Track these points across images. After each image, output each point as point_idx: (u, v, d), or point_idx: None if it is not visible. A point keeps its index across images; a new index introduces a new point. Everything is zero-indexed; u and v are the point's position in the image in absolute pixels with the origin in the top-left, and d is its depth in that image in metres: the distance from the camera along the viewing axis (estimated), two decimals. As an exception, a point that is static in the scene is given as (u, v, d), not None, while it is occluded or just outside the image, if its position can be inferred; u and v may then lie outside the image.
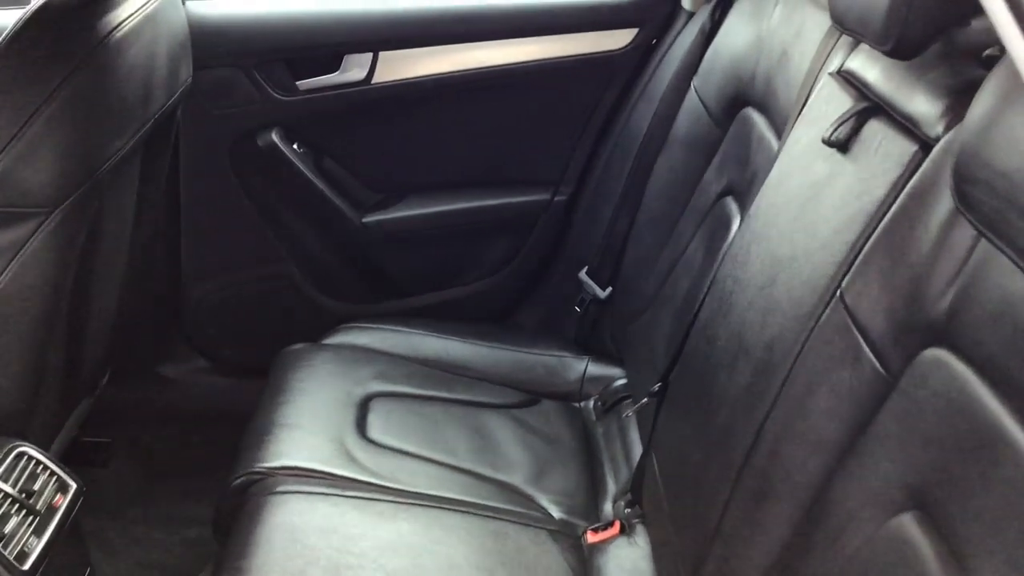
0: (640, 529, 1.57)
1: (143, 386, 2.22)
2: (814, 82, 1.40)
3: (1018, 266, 0.83)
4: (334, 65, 2.07)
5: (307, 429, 1.67)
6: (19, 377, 1.45)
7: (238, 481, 1.56)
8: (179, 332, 2.23)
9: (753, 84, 1.65)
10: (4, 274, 1.36)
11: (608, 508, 1.69)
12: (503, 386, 1.96)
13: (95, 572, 1.74)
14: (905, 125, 1.09)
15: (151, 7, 1.55)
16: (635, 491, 1.61)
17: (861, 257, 1.07)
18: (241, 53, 2.00)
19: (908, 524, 0.93)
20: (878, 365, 1.01)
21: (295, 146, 2.11)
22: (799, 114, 1.40)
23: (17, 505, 1.34)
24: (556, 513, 1.63)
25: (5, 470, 1.36)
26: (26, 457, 1.40)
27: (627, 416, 1.80)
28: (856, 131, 1.18)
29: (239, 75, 2.01)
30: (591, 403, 1.98)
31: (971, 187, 0.85)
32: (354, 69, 2.07)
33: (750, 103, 1.67)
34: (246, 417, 1.76)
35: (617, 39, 2.14)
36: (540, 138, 2.22)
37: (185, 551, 2.04)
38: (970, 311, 0.91)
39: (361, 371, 1.86)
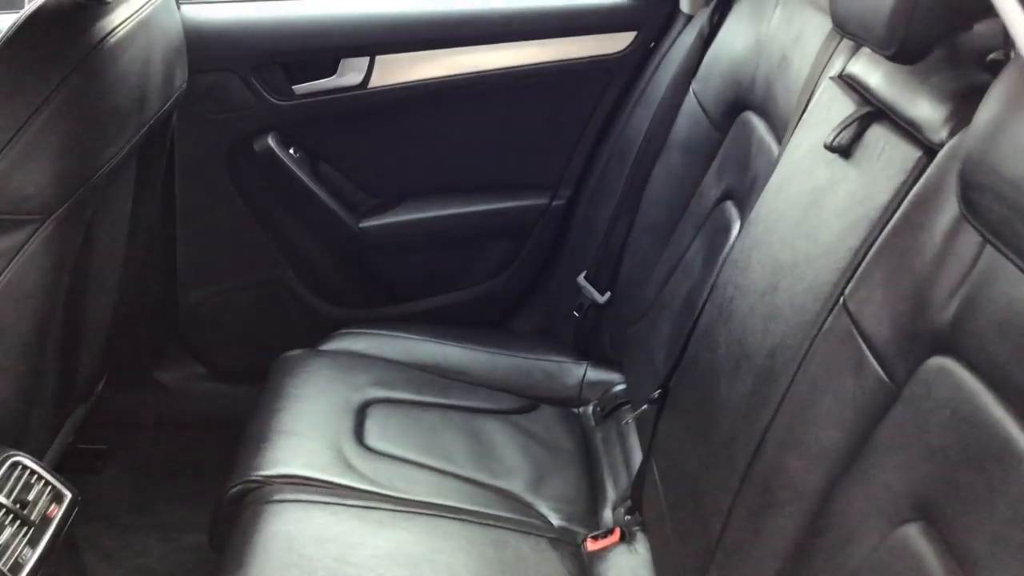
0: (640, 537, 1.56)
1: (139, 392, 2.21)
2: (815, 86, 1.39)
3: (1025, 274, 0.82)
4: (330, 69, 2.06)
5: (304, 436, 1.66)
6: (14, 385, 1.44)
7: (235, 489, 1.55)
8: (175, 338, 2.22)
9: (753, 88, 1.64)
10: None
11: (608, 515, 1.68)
12: (501, 391, 1.95)
13: (91, 581, 1.73)
14: (908, 130, 1.08)
15: (145, 12, 1.54)
16: (635, 498, 1.60)
17: (865, 264, 1.06)
18: (237, 57, 1.99)
19: (913, 535, 0.92)
20: (882, 373, 1.00)
21: (291, 151, 2.10)
22: (800, 119, 1.39)
23: (11, 516, 1.33)
24: (555, 520, 1.62)
25: (-1, 480, 1.35)
26: (20, 467, 1.39)
27: (627, 423, 1.79)
28: (858, 136, 1.17)
29: (235, 79, 2.00)
30: (590, 408, 1.97)
31: (977, 194, 0.84)
32: (350, 73, 2.06)
33: (749, 107, 1.66)
34: (243, 423, 1.75)
35: (615, 42, 2.13)
36: (538, 142, 2.21)
37: (182, 558, 2.03)
38: (976, 319, 0.90)
39: (358, 377, 1.85)
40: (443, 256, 2.28)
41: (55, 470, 1.65)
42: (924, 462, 0.93)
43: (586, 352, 2.08)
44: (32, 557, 1.31)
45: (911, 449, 0.95)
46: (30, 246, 1.34)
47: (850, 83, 1.27)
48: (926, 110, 1.06)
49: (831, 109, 1.27)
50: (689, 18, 2.06)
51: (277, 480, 1.54)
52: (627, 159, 2.05)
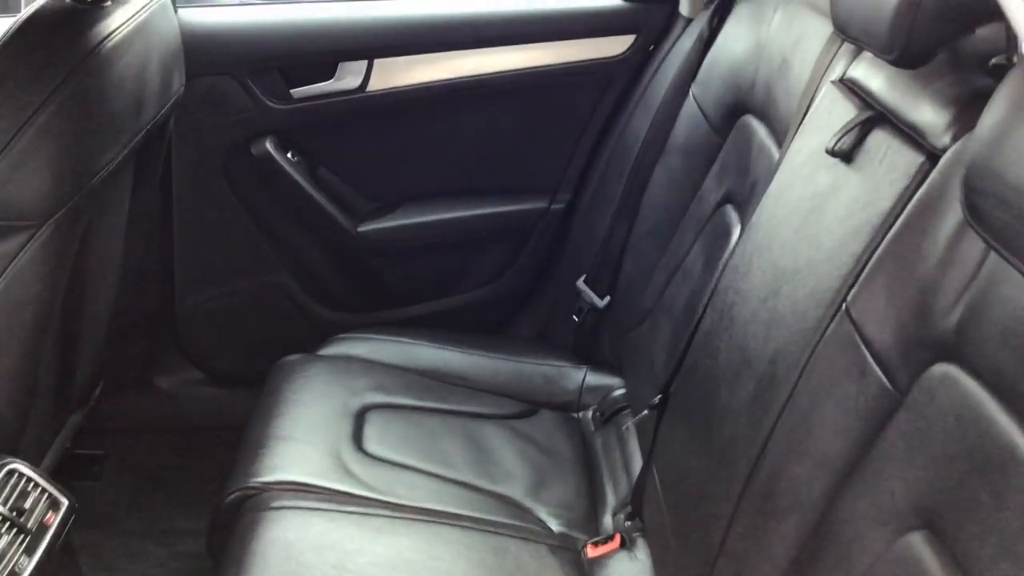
0: (641, 543, 1.55)
1: (137, 397, 2.20)
2: (815, 90, 1.39)
3: (1030, 281, 0.82)
4: (328, 73, 2.05)
5: (303, 442, 1.65)
6: (10, 392, 1.43)
7: (232, 496, 1.54)
8: (173, 343, 2.21)
9: (753, 91, 1.64)
10: None
11: (608, 521, 1.67)
12: (501, 396, 1.94)
13: (88, 588, 1.72)
14: (911, 135, 1.08)
15: (142, 16, 1.54)
16: (635, 504, 1.59)
17: (867, 270, 1.05)
18: (234, 61, 1.99)
19: (918, 544, 0.91)
20: (885, 380, 1.00)
21: (289, 155, 2.09)
22: (801, 123, 1.38)
23: (8, 524, 1.32)
24: (555, 526, 1.61)
25: (-5, 488, 1.34)
26: (17, 474, 1.38)
27: (627, 428, 1.78)
28: (860, 141, 1.16)
29: (232, 83, 1.99)
30: (590, 413, 1.96)
31: (982, 200, 0.83)
32: (349, 77, 2.06)
33: (749, 110, 1.65)
34: (241, 428, 1.74)
35: (614, 45, 2.13)
36: (537, 145, 2.21)
37: (179, 565, 2.02)
38: (980, 326, 0.89)
39: (357, 382, 1.84)
40: (442, 260, 2.27)
41: (52, 476, 1.65)
42: (928, 470, 0.92)
43: (586, 356, 2.07)
44: (29, 565, 1.31)
45: (915, 457, 0.94)
46: (26, 252, 1.33)
47: (851, 87, 1.26)
48: (928, 115, 1.06)
49: (832, 113, 1.26)
50: (688, 21, 2.05)
51: (275, 487, 1.53)
52: (626, 162, 2.04)
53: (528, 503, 1.65)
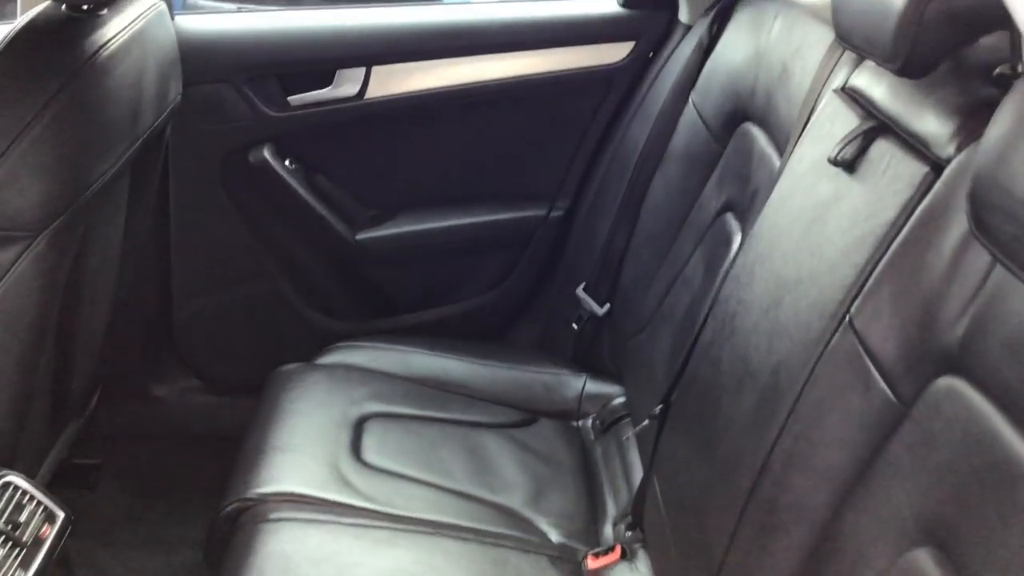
0: (642, 554, 1.54)
1: (134, 406, 2.19)
2: (817, 99, 1.38)
3: (1037, 294, 0.81)
4: (326, 80, 2.04)
5: (300, 452, 1.64)
6: (6, 402, 1.42)
7: (230, 508, 1.53)
8: (170, 351, 2.19)
9: (753, 99, 1.63)
10: None
11: (608, 531, 1.66)
12: (500, 405, 1.93)
13: (85, 600, 1.71)
14: (915, 145, 1.07)
15: (139, 25, 1.53)
16: (636, 514, 1.59)
17: (871, 281, 1.04)
18: (231, 68, 1.97)
19: (923, 560, 0.90)
20: (889, 393, 0.99)
21: (287, 162, 2.08)
22: (802, 132, 1.37)
23: (3, 537, 1.31)
24: (555, 537, 1.60)
25: (-9, 502, 1.33)
26: (12, 487, 1.37)
27: (627, 438, 1.77)
28: (863, 151, 1.15)
29: (230, 91, 1.98)
30: (589, 421, 1.95)
31: (988, 213, 0.83)
32: (346, 84, 2.04)
33: (750, 118, 1.64)
34: (238, 436, 1.73)
35: (613, 52, 2.12)
36: (536, 153, 2.20)
37: (176, 575, 2.00)
38: (986, 339, 0.88)
39: (355, 391, 1.83)
40: (441, 268, 2.26)
41: (49, 485, 1.64)
42: (934, 485, 0.91)
43: (585, 364, 2.06)
44: (24, 579, 1.30)
45: (920, 471, 0.93)
46: (21, 262, 1.32)
47: (853, 96, 1.25)
48: (932, 125, 1.05)
49: (834, 122, 1.25)
50: (688, 28, 2.04)
51: (273, 498, 1.52)
52: (626, 170, 2.04)
53: (528, 513, 1.64)
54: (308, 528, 1.46)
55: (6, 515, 1.33)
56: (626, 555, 1.55)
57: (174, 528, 2.07)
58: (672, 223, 1.82)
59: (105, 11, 1.47)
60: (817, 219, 1.20)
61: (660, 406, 1.53)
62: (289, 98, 2.03)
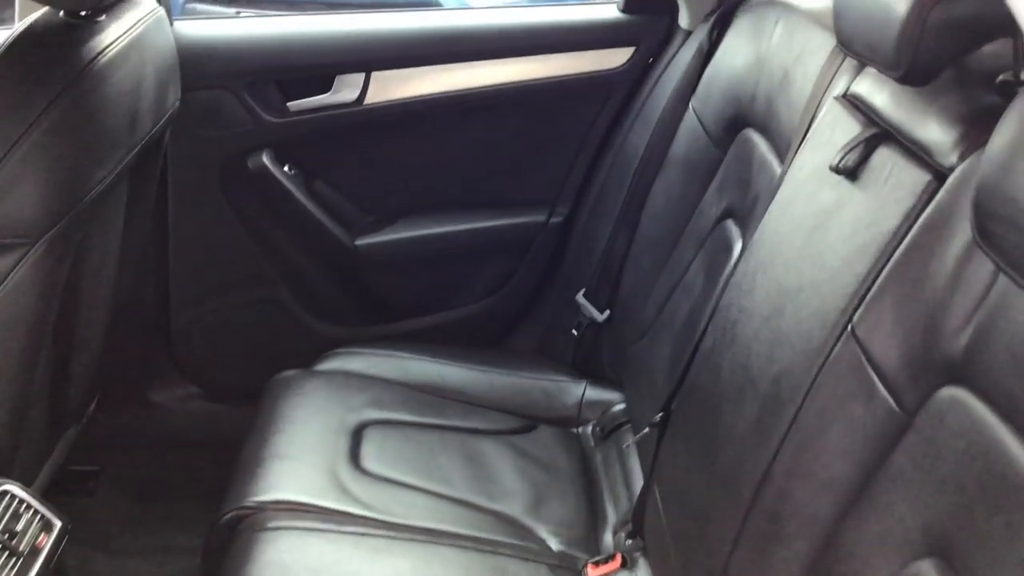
0: (642, 563, 1.54)
1: (132, 413, 2.18)
2: (818, 105, 1.37)
3: (1042, 304, 0.80)
4: (326, 86, 2.03)
5: (299, 460, 1.63)
6: (2, 411, 1.41)
7: (228, 516, 1.52)
8: (168, 358, 2.18)
9: (753, 105, 1.62)
10: None
11: (608, 539, 1.66)
12: (499, 411, 1.92)
13: (82, 608, 1.70)
14: (917, 153, 1.06)
15: (137, 31, 1.52)
16: (636, 522, 1.58)
17: (874, 290, 1.04)
18: (230, 74, 1.97)
19: (927, 571, 0.89)
20: (892, 403, 0.98)
21: (286, 168, 2.07)
22: (803, 138, 1.36)
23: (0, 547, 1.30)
24: (555, 545, 1.60)
25: (-13, 511, 1.32)
26: (9, 496, 1.36)
27: (628, 446, 1.76)
28: (865, 158, 1.15)
29: (229, 97, 1.97)
30: (589, 428, 1.94)
31: (993, 223, 0.82)
32: (346, 90, 2.03)
33: (750, 124, 1.64)
34: (237, 443, 1.72)
35: (613, 58, 2.11)
36: (535, 158, 2.19)
37: (174, 583, 2.00)
38: (990, 349, 0.88)
39: (354, 398, 1.82)
40: (440, 274, 2.25)
41: (46, 491, 1.63)
42: (938, 495, 0.91)
43: (585, 371, 2.05)
44: (21, 589, 1.29)
45: (924, 482, 0.93)
46: (18, 271, 1.31)
47: (855, 103, 1.25)
48: (935, 133, 1.04)
49: (835, 130, 1.25)
50: (688, 34, 2.04)
51: (271, 506, 1.52)
52: (626, 176, 2.03)
53: (528, 521, 1.63)
54: (306, 537, 1.46)
55: (3, 524, 1.32)
56: (626, 564, 1.54)
57: (172, 535, 2.06)
58: (672, 229, 1.81)
59: (103, 17, 1.46)
60: (818, 227, 1.19)
61: (660, 414, 1.52)
62: (288, 104, 2.02)
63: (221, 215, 2.07)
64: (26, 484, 1.44)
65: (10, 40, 1.33)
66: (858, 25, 1.13)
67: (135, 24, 1.54)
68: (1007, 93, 1.02)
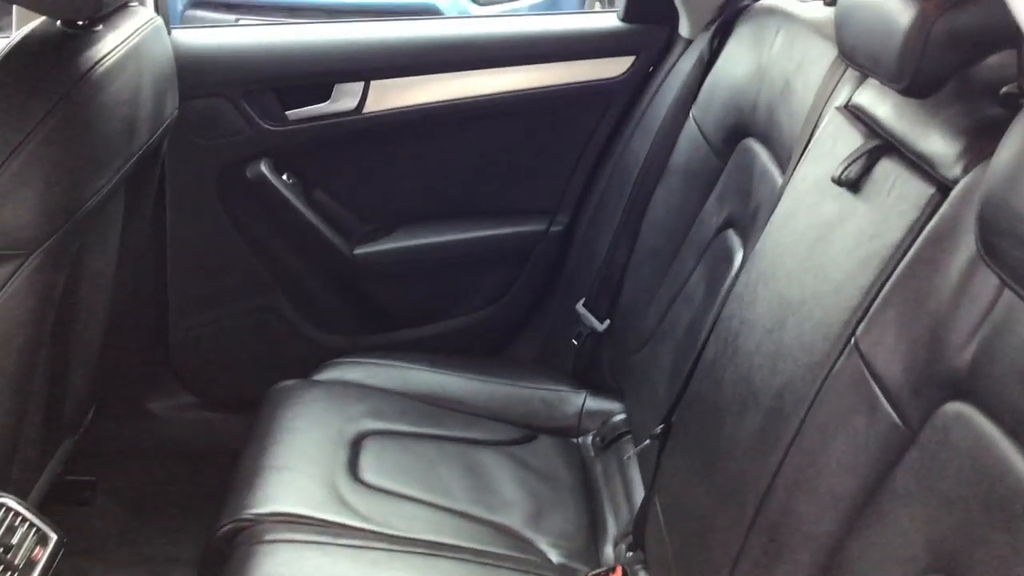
0: (643, 575, 1.52)
1: (129, 422, 2.17)
2: (819, 116, 1.36)
3: (1048, 320, 0.79)
4: (324, 94, 2.03)
5: (297, 471, 1.62)
6: (-1, 422, 1.41)
7: (225, 528, 1.51)
8: (166, 367, 2.18)
9: (754, 115, 1.62)
10: None
11: (609, 551, 1.65)
12: (499, 421, 1.91)
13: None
14: (920, 166, 1.05)
15: (135, 40, 1.51)
16: (637, 534, 1.57)
17: (877, 303, 1.03)
18: (229, 83, 1.96)
19: (932, 589, 0.88)
20: (896, 417, 0.97)
21: (284, 177, 2.06)
22: (804, 149, 1.36)
23: (-5, 561, 1.29)
24: (555, 557, 1.58)
25: (-18, 524, 1.31)
26: (4, 509, 1.35)
27: (629, 458, 1.75)
28: (867, 170, 1.14)
29: (227, 105, 1.96)
30: (589, 438, 1.93)
31: (998, 238, 0.81)
32: (345, 98, 2.03)
33: (751, 134, 1.63)
34: (235, 453, 1.71)
35: (613, 67, 2.11)
36: (535, 167, 2.18)
37: (171, 594, 1.99)
38: (995, 364, 0.87)
39: (353, 408, 1.81)
40: (439, 283, 2.25)
41: (43, 501, 1.62)
42: (942, 512, 0.90)
43: (585, 381, 2.04)
44: (16, 603, 1.28)
45: (928, 498, 0.92)
46: (14, 281, 1.30)
47: (857, 114, 1.24)
48: (938, 145, 1.03)
49: (838, 140, 1.24)
50: (688, 42, 2.03)
51: (269, 519, 1.50)
52: (626, 185, 2.02)
53: (528, 533, 1.62)
54: (304, 550, 1.45)
55: (-2, 537, 1.32)
56: (627, 576, 1.53)
57: (169, 546, 2.04)
58: (673, 239, 1.81)
59: (100, 27, 1.46)
60: (821, 239, 1.18)
61: (661, 425, 1.51)
62: (287, 112, 2.02)
63: (219, 224, 2.06)
64: (22, 495, 1.43)
65: (7, 50, 1.33)
66: (860, 36, 1.12)
67: (132, 33, 1.53)
68: (1011, 105, 1.01)
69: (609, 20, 2.15)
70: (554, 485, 1.77)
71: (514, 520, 1.64)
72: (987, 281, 0.90)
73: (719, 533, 1.21)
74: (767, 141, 1.56)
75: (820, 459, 1.05)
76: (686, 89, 1.92)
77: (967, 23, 1.00)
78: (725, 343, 1.34)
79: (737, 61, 1.76)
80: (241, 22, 4.45)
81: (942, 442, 0.92)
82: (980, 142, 0.99)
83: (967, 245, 0.93)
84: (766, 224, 1.37)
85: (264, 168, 2.03)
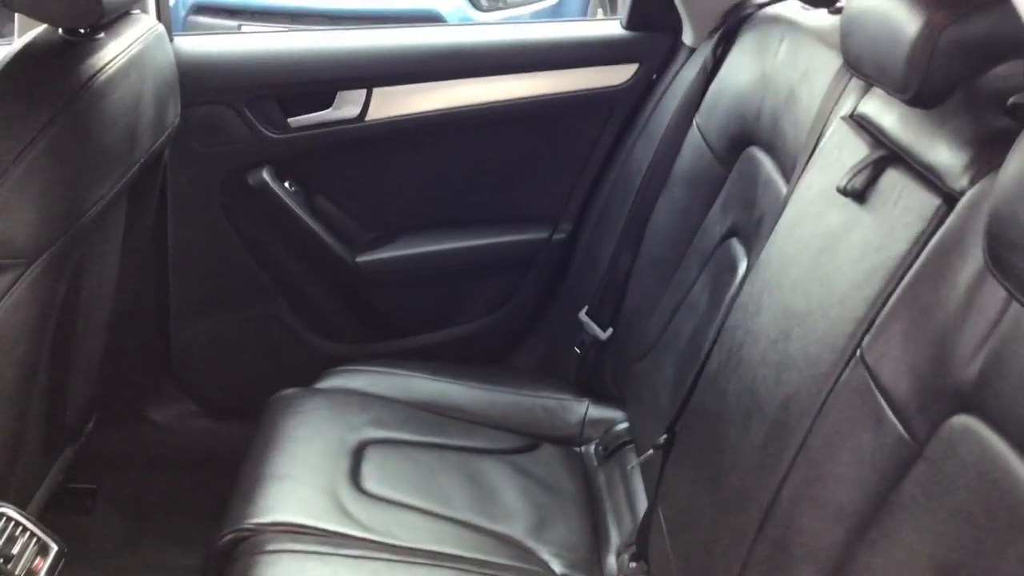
0: (646, 587, 1.52)
1: (130, 430, 2.16)
2: (824, 125, 1.36)
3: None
4: (327, 102, 2.02)
5: (299, 481, 1.61)
6: (-1, 432, 1.40)
7: (226, 538, 1.50)
8: (167, 375, 2.17)
9: (758, 123, 1.61)
10: None
11: (612, 561, 1.64)
12: (501, 430, 1.90)
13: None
14: (926, 176, 1.05)
15: (137, 48, 1.51)
16: (640, 545, 1.56)
17: (883, 315, 1.02)
18: (231, 90, 1.96)
19: (938, 604, 0.87)
20: (902, 430, 0.96)
21: (287, 184, 2.06)
22: (809, 158, 1.35)
23: (-6, 571, 1.28)
24: (557, 568, 1.58)
25: (-18, 535, 1.31)
26: (4, 519, 1.34)
27: (632, 468, 1.74)
28: (873, 180, 1.13)
29: (229, 112, 1.96)
30: (592, 447, 1.93)
31: (1006, 251, 0.80)
32: (347, 106, 2.03)
33: (755, 142, 1.62)
34: (236, 462, 1.70)
35: (617, 75, 2.10)
36: (538, 175, 2.18)
37: (172, 603, 1.98)
38: (1002, 377, 0.86)
39: (354, 417, 1.81)
40: (442, 291, 2.24)
41: (44, 510, 1.62)
42: (948, 526, 0.89)
43: (588, 389, 2.04)
44: (16, 614, 1.27)
45: (935, 511, 0.91)
46: (15, 291, 1.30)
47: (862, 124, 1.23)
48: (945, 155, 1.03)
49: (843, 150, 1.23)
50: (692, 51, 2.03)
51: (270, 528, 1.50)
52: (629, 193, 2.02)
53: (530, 543, 1.61)
54: (306, 561, 1.44)
55: (-2, 548, 1.31)
56: (630, 587, 1.52)
57: (170, 555, 2.04)
58: (676, 247, 1.80)
59: (102, 35, 1.45)
60: (826, 249, 1.18)
61: (665, 435, 1.50)
62: (289, 120, 2.01)
63: (221, 231, 2.06)
64: (22, 504, 1.43)
65: (8, 58, 1.32)
66: (866, 46, 1.11)
67: (134, 41, 1.53)
68: (1019, 116, 1.00)
69: (612, 28, 2.15)
70: (556, 494, 1.76)
71: (516, 530, 1.63)
72: (994, 294, 0.89)
73: (723, 545, 1.20)
74: (771, 150, 1.56)
75: (825, 472, 1.04)
76: (689, 97, 1.92)
77: (974, 33, 0.99)
78: (729, 353, 1.34)
79: (741, 69, 1.76)
80: (243, 28, 4.46)
81: (949, 456, 0.91)
82: (987, 153, 0.98)
83: (974, 257, 0.92)
84: (770, 233, 1.37)
85: (266, 175, 2.03)
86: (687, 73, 1.97)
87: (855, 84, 1.33)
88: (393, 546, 1.51)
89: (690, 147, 1.88)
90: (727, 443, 1.26)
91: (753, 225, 1.54)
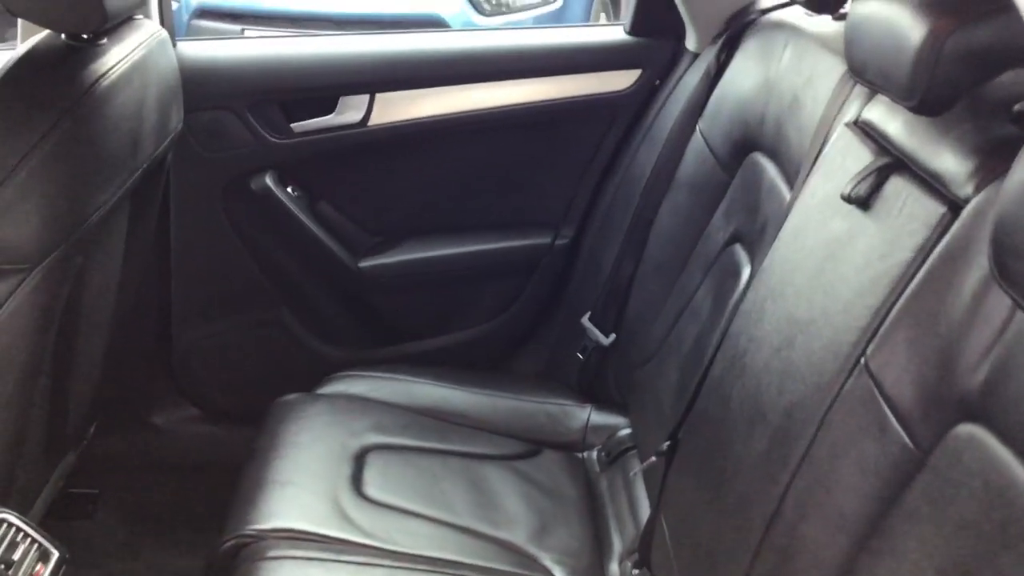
0: (649, 595, 1.51)
1: (132, 435, 2.16)
2: (828, 131, 1.35)
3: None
4: (329, 107, 2.02)
5: (300, 486, 1.61)
6: (0, 438, 1.39)
7: (227, 544, 1.50)
8: (169, 380, 2.17)
9: (762, 129, 1.61)
10: None
11: (614, 569, 1.63)
12: (503, 436, 1.90)
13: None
14: (931, 184, 1.04)
15: (139, 53, 1.51)
16: (643, 552, 1.55)
17: (887, 324, 1.02)
18: (234, 95, 1.96)
19: (943, 614, 0.87)
20: (906, 439, 0.96)
21: (289, 189, 2.06)
22: (813, 164, 1.34)
23: (-5, 578, 1.28)
24: (560, 574, 1.57)
25: (-17, 541, 1.30)
26: (6, 524, 1.34)
27: (635, 474, 1.74)
28: (877, 188, 1.13)
29: (232, 117, 1.96)
30: (594, 453, 1.92)
31: (1012, 259, 0.80)
32: (350, 111, 2.03)
33: (758, 148, 1.62)
34: (238, 467, 1.70)
35: (620, 80, 2.10)
36: (541, 181, 2.18)
37: (174, 608, 1.98)
38: (1008, 386, 0.85)
39: (356, 422, 1.80)
40: (444, 296, 2.24)
41: (45, 515, 1.61)
42: (954, 536, 0.88)
43: (590, 395, 2.03)
44: (17, 620, 1.27)
45: (940, 521, 0.90)
46: (16, 297, 1.30)
47: (866, 130, 1.23)
48: (950, 163, 1.02)
49: (847, 157, 1.23)
50: (695, 56, 2.02)
51: (272, 535, 1.49)
52: (632, 198, 2.01)
53: (532, 550, 1.61)
54: (307, 567, 1.44)
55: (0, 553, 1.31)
56: (633, 595, 1.52)
57: (172, 560, 2.03)
58: (679, 253, 1.80)
59: (105, 40, 1.45)
60: (830, 256, 1.17)
61: (668, 442, 1.50)
62: (292, 125, 2.01)
63: (224, 237, 2.06)
64: (24, 508, 1.43)
65: (11, 63, 1.32)
66: (870, 52, 1.11)
67: (137, 47, 1.53)
68: (1023, 123, 1.00)
69: (615, 33, 2.14)
70: (559, 500, 1.75)
71: (518, 536, 1.63)
72: (1000, 302, 0.88)
73: (726, 553, 1.20)
74: (775, 156, 1.55)
75: (829, 480, 1.04)
76: (693, 103, 1.91)
77: (980, 40, 0.98)
78: (732, 360, 1.33)
79: (745, 75, 1.75)
80: (246, 32, 4.46)
81: (953, 465, 0.90)
82: (992, 161, 0.98)
83: (979, 265, 0.92)
84: (774, 240, 1.36)
85: (269, 181, 2.03)
86: (690, 79, 1.97)
87: (859, 90, 1.33)
88: (395, 552, 1.50)
89: (693, 153, 1.87)
90: (730, 451, 1.26)
91: (757, 231, 1.53)
